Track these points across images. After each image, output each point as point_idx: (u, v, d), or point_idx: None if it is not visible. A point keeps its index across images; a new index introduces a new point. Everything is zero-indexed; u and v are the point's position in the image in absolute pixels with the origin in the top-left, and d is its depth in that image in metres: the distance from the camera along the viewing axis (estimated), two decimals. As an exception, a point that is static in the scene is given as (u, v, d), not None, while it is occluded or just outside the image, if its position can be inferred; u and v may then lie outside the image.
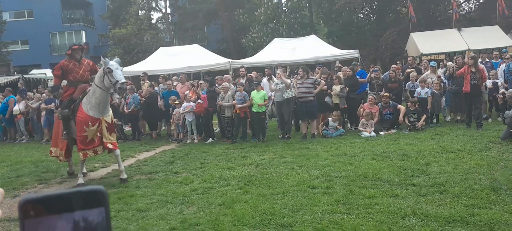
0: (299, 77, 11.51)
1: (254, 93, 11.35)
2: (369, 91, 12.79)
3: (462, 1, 29.92)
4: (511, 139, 8.87)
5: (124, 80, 7.31)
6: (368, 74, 13.27)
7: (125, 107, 13.52)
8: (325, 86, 11.85)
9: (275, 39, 22.50)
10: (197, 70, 20.38)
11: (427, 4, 28.33)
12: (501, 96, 9.77)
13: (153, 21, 38.40)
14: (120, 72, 7.32)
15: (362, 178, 6.80)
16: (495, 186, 5.78)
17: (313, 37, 22.24)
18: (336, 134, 11.23)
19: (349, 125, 12.43)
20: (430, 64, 13.06)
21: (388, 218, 4.96)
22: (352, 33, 29.31)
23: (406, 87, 12.74)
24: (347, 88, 11.96)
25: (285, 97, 11.11)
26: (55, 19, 39.24)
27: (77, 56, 7.91)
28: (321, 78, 12.15)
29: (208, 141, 11.98)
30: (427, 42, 21.00)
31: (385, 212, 5.15)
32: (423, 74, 12.82)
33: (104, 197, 0.73)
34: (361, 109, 11.54)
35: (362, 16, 32.01)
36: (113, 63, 7.33)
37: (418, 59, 17.50)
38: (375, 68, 13.70)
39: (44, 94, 15.10)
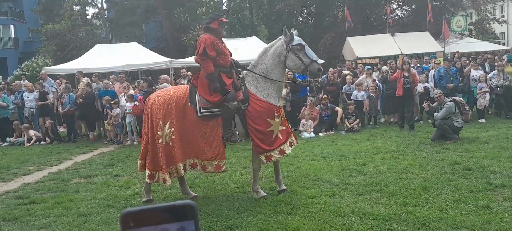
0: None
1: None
2: (309, 94, 13.12)
3: (395, 7, 31.37)
4: (440, 140, 9.46)
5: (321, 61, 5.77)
6: (308, 77, 13.58)
7: (60, 107, 12.95)
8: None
9: (217, 40, 22.38)
10: (136, 69, 19.90)
11: (363, 9, 29.42)
12: (426, 104, 10.46)
13: (89, 17, 36.97)
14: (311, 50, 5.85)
15: (303, 178, 7.01)
16: (426, 185, 6.15)
17: (254, 38, 22.40)
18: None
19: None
20: (365, 68, 13.62)
21: (329, 217, 5.14)
22: (292, 36, 29.77)
23: (343, 90, 13.19)
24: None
25: None
26: (-20, 11, 36.85)
27: (223, 33, 6.18)
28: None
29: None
30: (362, 46, 21.86)
31: (326, 211, 5.33)
32: (359, 78, 13.35)
33: (194, 211, 0.82)
34: (306, 112, 11.80)
35: (301, 19, 32.70)
36: (300, 38, 5.81)
37: (353, 63, 18.17)
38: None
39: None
